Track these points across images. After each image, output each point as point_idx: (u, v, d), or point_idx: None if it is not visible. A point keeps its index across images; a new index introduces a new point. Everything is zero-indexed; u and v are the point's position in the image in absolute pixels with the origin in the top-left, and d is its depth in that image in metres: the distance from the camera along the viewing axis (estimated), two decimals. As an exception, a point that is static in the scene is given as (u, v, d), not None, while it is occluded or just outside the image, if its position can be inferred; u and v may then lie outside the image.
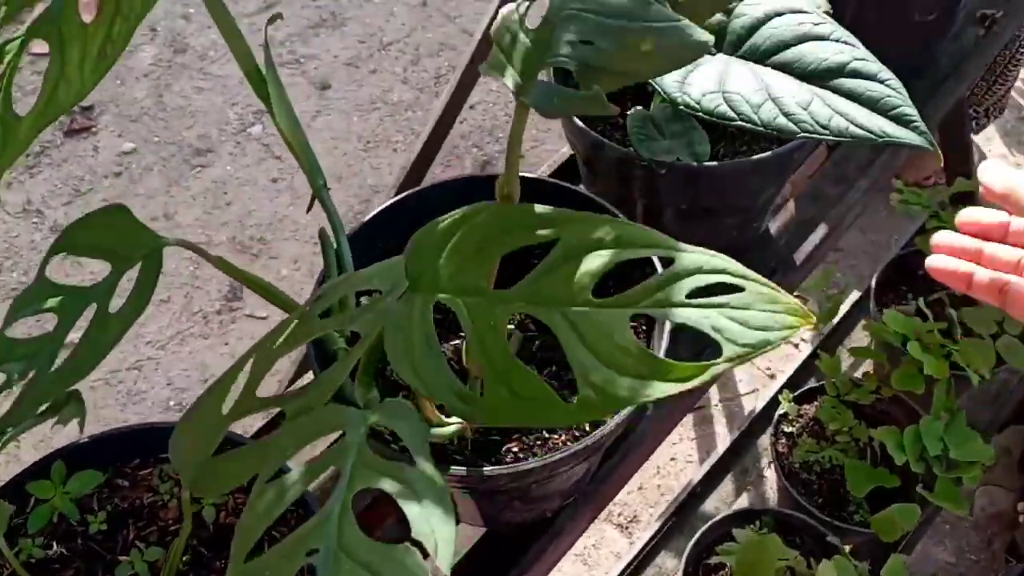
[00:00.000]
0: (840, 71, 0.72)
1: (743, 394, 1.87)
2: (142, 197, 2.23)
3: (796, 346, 1.90)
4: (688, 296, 0.45)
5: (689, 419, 1.82)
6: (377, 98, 2.43)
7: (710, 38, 0.53)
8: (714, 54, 0.77)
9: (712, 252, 0.46)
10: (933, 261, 0.65)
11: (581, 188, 0.86)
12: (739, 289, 0.45)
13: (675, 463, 1.76)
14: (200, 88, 2.54)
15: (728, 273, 0.45)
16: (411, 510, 0.44)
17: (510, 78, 0.54)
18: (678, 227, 0.93)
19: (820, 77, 0.73)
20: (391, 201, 0.85)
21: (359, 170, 2.26)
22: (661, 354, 0.68)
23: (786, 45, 0.75)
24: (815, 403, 1.35)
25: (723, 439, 1.75)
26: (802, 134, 0.72)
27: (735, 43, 0.77)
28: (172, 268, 2.08)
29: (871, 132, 0.68)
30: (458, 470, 0.67)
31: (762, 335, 0.43)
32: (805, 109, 0.72)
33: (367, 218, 0.84)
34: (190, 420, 0.55)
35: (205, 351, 1.98)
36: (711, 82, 0.74)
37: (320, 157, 2.49)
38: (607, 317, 0.45)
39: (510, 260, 0.55)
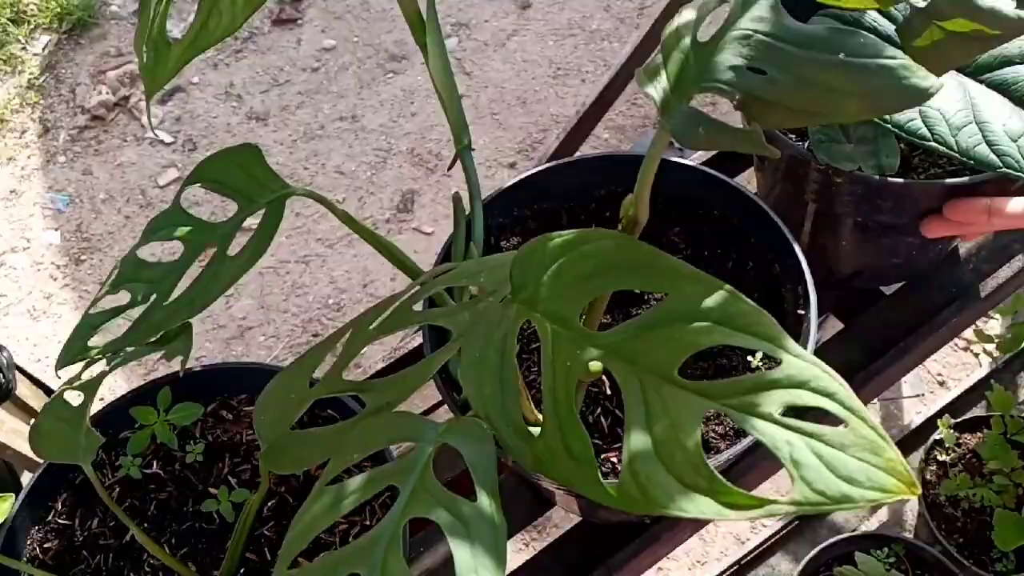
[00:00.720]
0: None
1: (906, 396, 1.75)
2: (333, 95, 2.27)
3: (976, 355, 1.75)
4: (780, 410, 0.39)
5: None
6: (576, 24, 2.36)
7: (936, 84, 0.44)
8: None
9: (826, 368, 0.39)
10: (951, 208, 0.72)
11: (742, 185, 0.79)
12: (841, 423, 0.38)
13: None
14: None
15: (836, 400, 0.38)
16: (460, 552, 0.41)
17: (660, 92, 0.48)
18: (851, 238, 0.84)
19: None
20: (536, 169, 0.81)
21: (544, 96, 2.22)
22: (740, 447, 0.62)
23: (1007, 62, 0.65)
24: (978, 434, 1.23)
25: (874, 441, 1.64)
26: (1003, 169, 0.63)
27: None
28: (351, 170, 2.13)
29: None
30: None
31: (845, 488, 0.36)
32: (1014, 141, 0.62)
33: (508, 184, 0.81)
34: (276, 389, 0.55)
35: (369, 257, 2.02)
36: None
37: (508, 79, 2.45)
38: (683, 402, 0.40)
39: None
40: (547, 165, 0.82)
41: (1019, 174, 0.63)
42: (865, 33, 0.45)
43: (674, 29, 0.50)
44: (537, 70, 2.28)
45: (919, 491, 0.36)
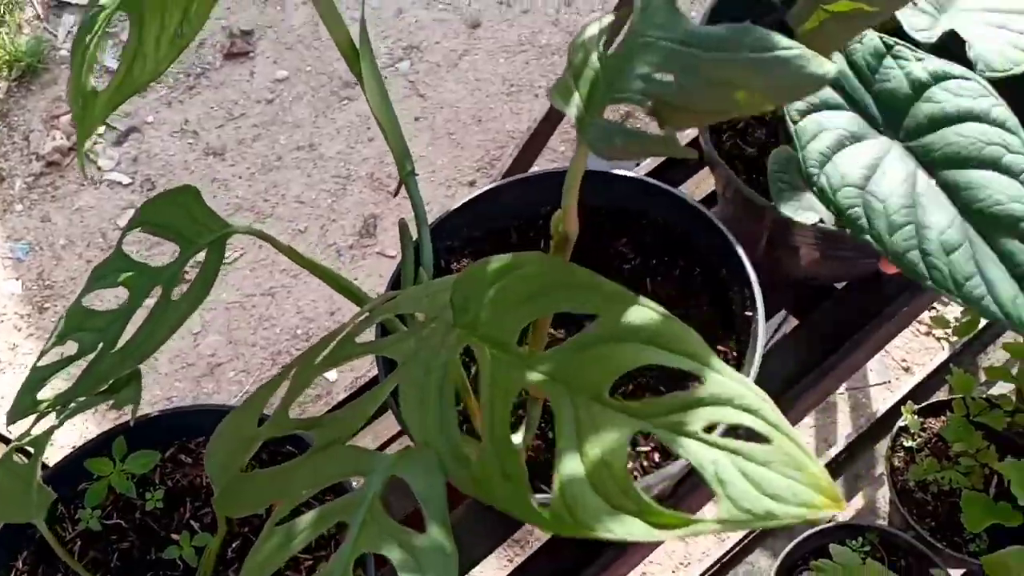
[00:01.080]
0: (1012, 227, 0.57)
1: (873, 385, 1.76)
2: (289, 125, 2.27)
3: (939, 340, 1.77)
4: (706, 428, 0.39)
5: (812, 406, 1.74)
6: (525, 39, 2.37)
7: (830, 70, 0.45)
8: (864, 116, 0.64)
9: (750, 385, 0.40)
10: None
11: (685, 193, 0.80)
12: (766, 440, 0.39)
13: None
14: (355, 19, 2.54)
15: (759, 417, 0.39)
16: (411, 587, 0.42)
17: (573, 107, 0.49)
18: (809, 258, 0.85)
19: (987, 222, 0.58)
20: (483, 189, 0.82)
21: (499, 114, 2.23)
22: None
23: (964, 162, 0.60)
24: (942, 418, 1.24)
25: (843, 431, 1.66)
26: (929, 283, 0.58)
27: (912, 131, 0.63)
28: (311, 199, 2.13)
29: (1008, 316, 0.55)
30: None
31: (770, 505, 0.37)
32: (948, 255, 0.58)
33: (456, 206, 0.82)
34: (225, 431, 0.55)
35: (335, 285, 2.01)
36: (858, 170, 0.62)
37: (462, 98, 2.46)
38: (612, 422, 0.40)
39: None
40: (493, 185, 0.83)
41: (941, 291, 0.58)
42: (760, 28, 0.46)
43: (580, 45, 0.51)
44: (490, 88, 2.29)
45: (844, 506, 0.37)
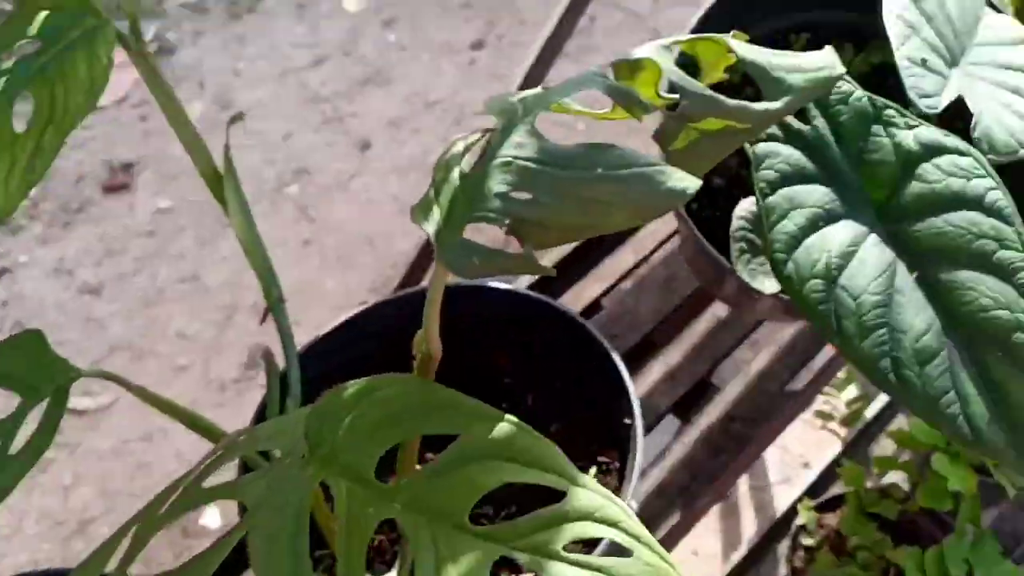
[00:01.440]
0: (995, 339, 0.49)
1: (774, 483, 1.77)
2: (172, 257, 2.22)
3: (833, 433, 1.79)
4: (570, 546, 0.38)
5: (716, 508, 1.73)
6: (417, 159, 2.39)
7: (692, 185, 0.44)
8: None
9: (610, 496, 0.39)
10: None
11: (563, 305, 0.79)
12: (628, 552, 0.38)
13: (697, 557, 1.66)
14: (241, 144, 2.53)
15: (620, 528, 0.38)
16: None
17: (432, 225, 0.48)
18: (767, 310, 0.84)
19: (969, 330, 0.50)
20: (353, 312, 0.80)
21: (391, 234, 2.23)
22: None
23: (951, 256, 0.52)
24: (839, 511, 1.25)
25: (748, 532, 1.65)
26: (901, 399, 0.51)
27: (897, 213, 0.55)
28: (195, 332, 2.06)
29: (983, 443, 0.48)
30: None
31: None
32: (921, 365, 0.49)
33: (327, 330, 0.80)
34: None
35: (218, 421, 1.93)
36: (831, 259, 0.53)
37: (353, 220, 2.43)
38: (472, 550, 0.38)
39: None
40: (363, 308, 0.81)
41: (913, 410, 0.51)
42: (620, 147, 0.46)
43: (444, 162, 0.50)
44: (382, 208, 2.29)
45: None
